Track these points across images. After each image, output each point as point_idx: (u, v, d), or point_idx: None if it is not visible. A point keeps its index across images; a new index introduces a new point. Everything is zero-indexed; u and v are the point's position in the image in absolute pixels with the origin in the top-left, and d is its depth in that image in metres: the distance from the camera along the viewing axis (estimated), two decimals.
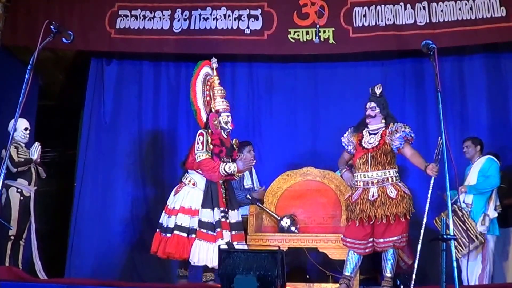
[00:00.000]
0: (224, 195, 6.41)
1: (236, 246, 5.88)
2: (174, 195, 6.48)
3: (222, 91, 6.66)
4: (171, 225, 6.26)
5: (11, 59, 9.06)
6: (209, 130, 6.39)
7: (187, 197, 6.35)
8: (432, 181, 5.97)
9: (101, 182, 9.12)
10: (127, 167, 9.15)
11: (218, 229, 6.12)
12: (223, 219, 6.19)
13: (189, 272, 6.51)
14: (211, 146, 6.29)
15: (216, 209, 6.19)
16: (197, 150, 6.28)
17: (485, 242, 6.90)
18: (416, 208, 6.27)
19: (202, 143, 6.26)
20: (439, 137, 5.83)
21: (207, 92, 6.67)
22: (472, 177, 7.15)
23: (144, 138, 9.27)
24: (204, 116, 6.51)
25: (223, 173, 6.21)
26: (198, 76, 6.62)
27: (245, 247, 6.28)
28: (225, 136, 6.53)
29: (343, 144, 6.60)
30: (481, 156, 7.31)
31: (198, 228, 6.18)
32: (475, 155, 7.29)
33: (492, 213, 7.03)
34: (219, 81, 6.75)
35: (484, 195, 7.05)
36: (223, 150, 6.41)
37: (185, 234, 6.18)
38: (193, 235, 6.16)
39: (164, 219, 6.40)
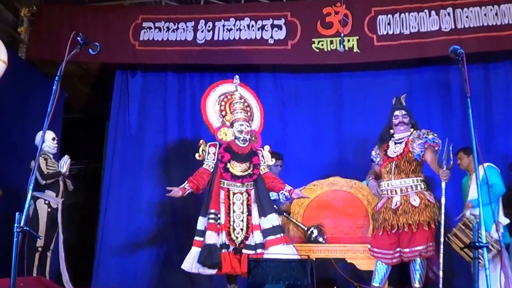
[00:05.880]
0: (226, 198, 6.39)
1: (271, 250, 5.91)
2: None
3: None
4: None
5: (36, 73, 9.15)
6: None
7: None
8: (443, 186, 5.83)
9: (127, 194, 9.13)
10: (153, 178, 9.15)
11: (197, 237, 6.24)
12: (211, 221, 6.19)
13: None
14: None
15: (201, 217, 6.34)
16: None
17: (501, 250, 6.78)
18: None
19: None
20: (446, 139, 5.76)
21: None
22: (473, 190, 6.95)
23: (169, 149, 9.28)
24: None
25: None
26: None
27: (287, 248, 6.13)
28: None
29: (372, 157, 6.60)
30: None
31: None
32: (469, 164, 7.15)
33: (504, 220, 6.95)
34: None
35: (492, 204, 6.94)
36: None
37: (225, 250, 6.21)
38: (224, 250, 6.19)
39: None
